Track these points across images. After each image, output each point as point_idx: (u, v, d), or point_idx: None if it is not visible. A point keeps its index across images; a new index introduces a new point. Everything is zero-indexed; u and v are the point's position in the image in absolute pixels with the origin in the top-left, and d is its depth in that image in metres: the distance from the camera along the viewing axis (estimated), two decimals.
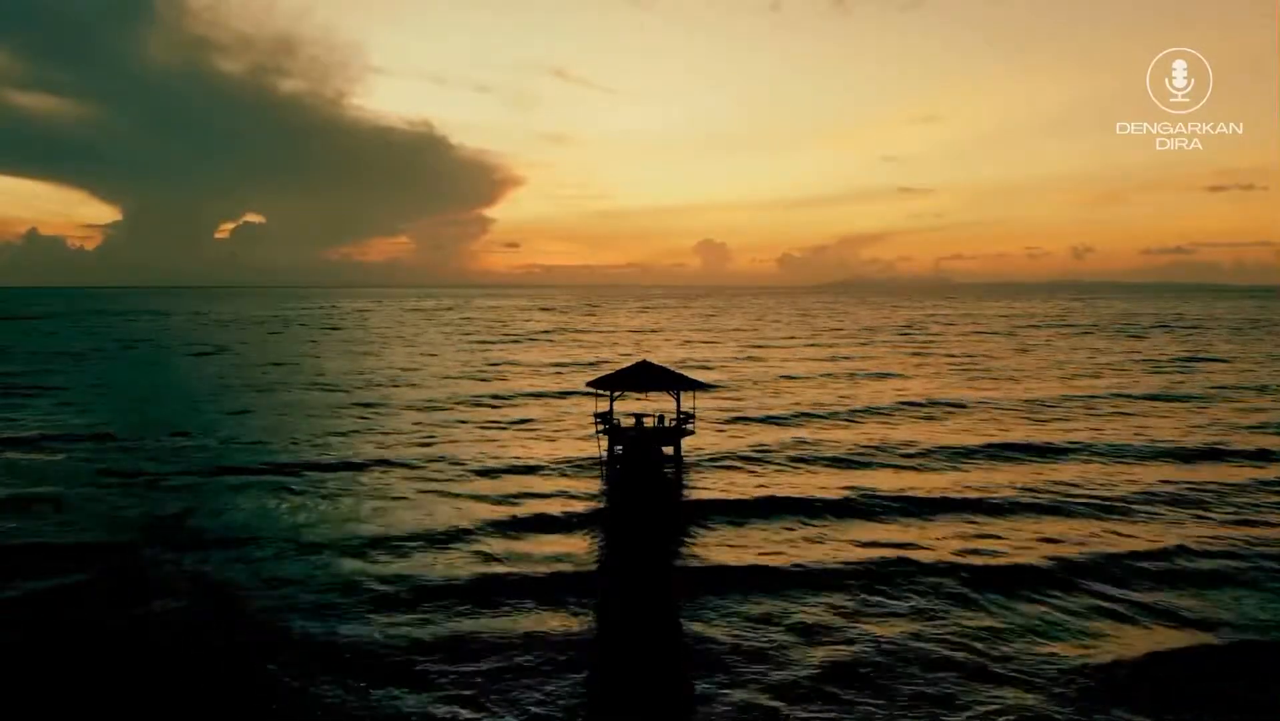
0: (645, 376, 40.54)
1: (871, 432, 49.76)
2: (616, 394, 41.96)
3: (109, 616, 22.45)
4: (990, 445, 45.47)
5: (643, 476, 39.27)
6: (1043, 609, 23.53)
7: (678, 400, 41.73)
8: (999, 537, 29.65)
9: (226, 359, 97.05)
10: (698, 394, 45.79)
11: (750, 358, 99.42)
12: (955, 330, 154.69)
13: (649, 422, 41.62)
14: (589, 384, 42.73)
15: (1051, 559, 27.28)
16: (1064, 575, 25.91)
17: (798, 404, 60.95)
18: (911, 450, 44.42)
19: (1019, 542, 29.09)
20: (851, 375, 79.23)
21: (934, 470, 40.46)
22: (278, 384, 72.14)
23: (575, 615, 22.82)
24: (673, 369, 46.64)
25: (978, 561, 27.16)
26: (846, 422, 53.55)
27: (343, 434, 48.30)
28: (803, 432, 49.71)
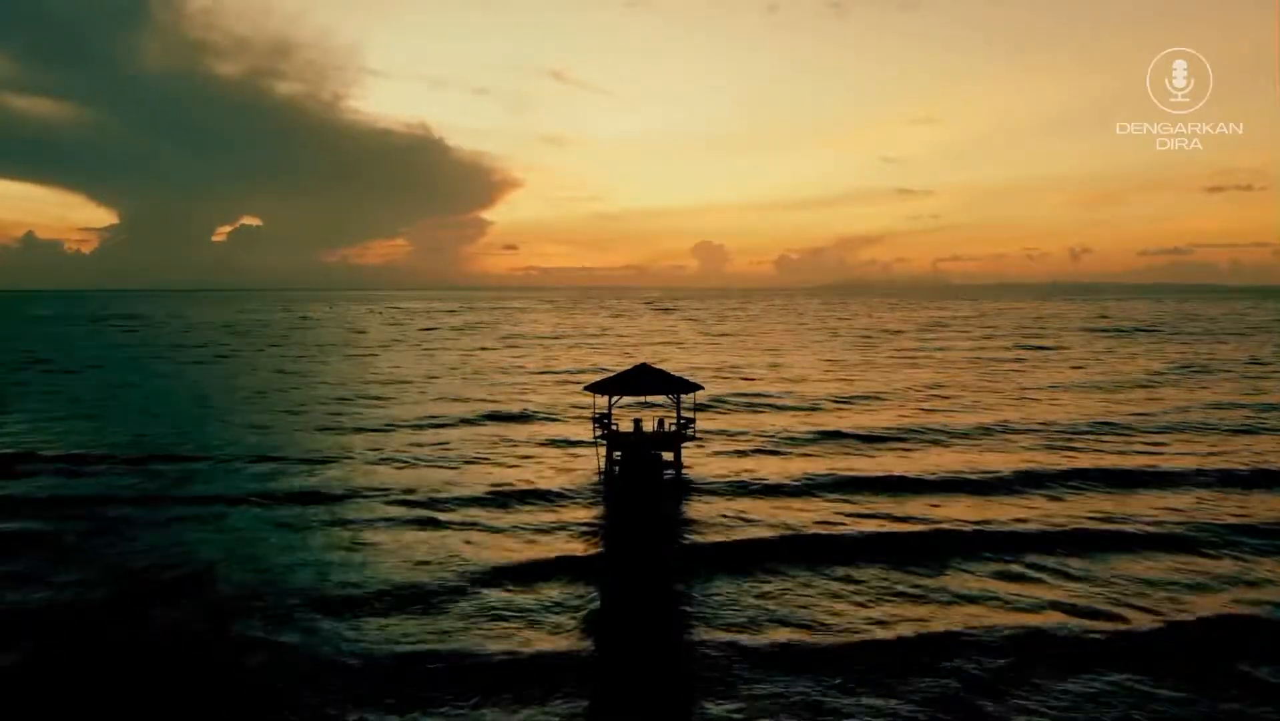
0: (644, 379, 39.70)
1: (916, 453, 44.43)
2: (616, 398, 41.05)
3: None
4: (1063, 471, 39.20)
5: (642, 493, 36.99)
6: (1187, 704, 18.06)
7: (677, 404, 40.79)
8: (1095, 594, 24.19)
9: (222, 367, 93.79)
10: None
11: (772, 364, 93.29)
12: (975, 334, 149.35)
13: (648, 426, 40.82)
14: (587, 388, 41.65)
15: (1179, 630, 21.58)
16: (1204, 646, 20.78)
17: (825, 419, 54.63)
18: (965, 475, 38.96)
19: (1125, 604, 23.48)
20: (882, 388, 71.67)
21: (999, 502, 34.46)
22: (275, 397, 67.38)
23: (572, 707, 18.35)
24: (672, 372, 45.75)
25: (1089, 629, 21.60)
26: (884, 442, 47.19)
27: (340, 457, 43.47)
28: (836, 455, 44.09)
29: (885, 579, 25.72)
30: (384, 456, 44.12)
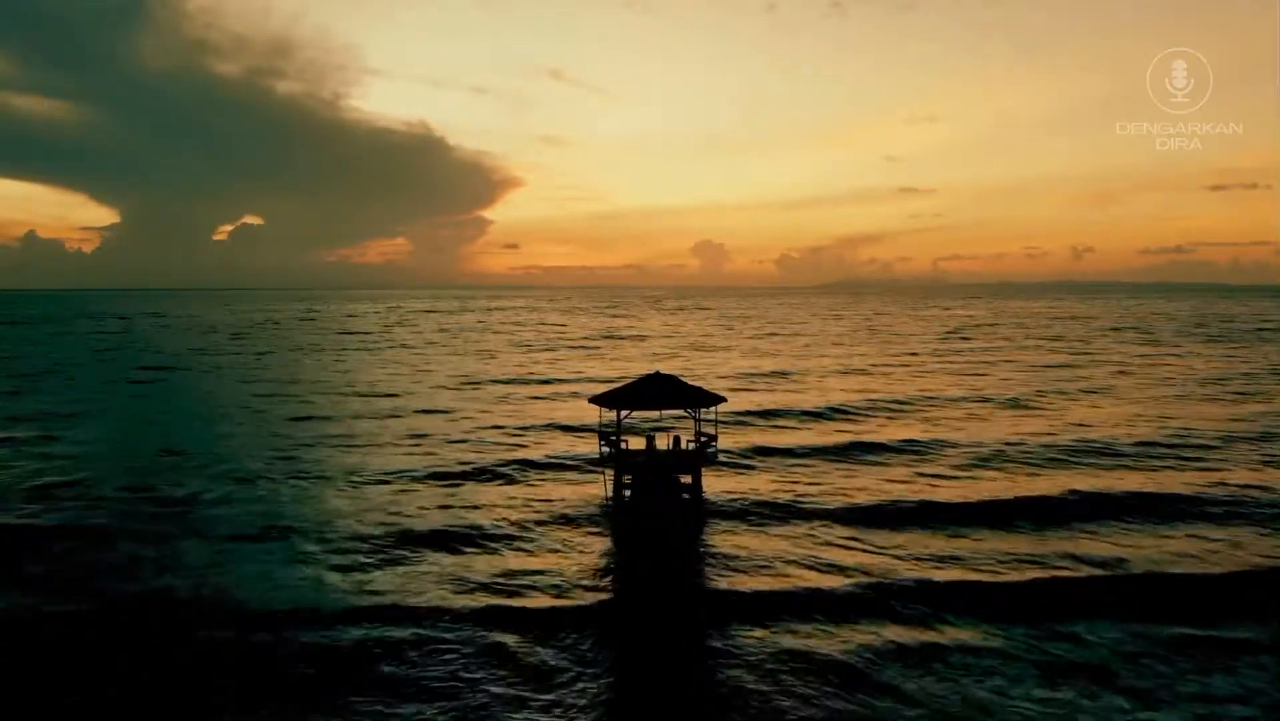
0: (657, 391, 34.73)
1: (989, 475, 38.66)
2: (626, 413, 36.16)
3: None
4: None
5: (656, 525, 32.51)
6: None
7: (696, 419, 36.02)
8: None
9: (219, 374, 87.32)
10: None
11: (843, 370, 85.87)
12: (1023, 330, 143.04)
13: (663, 443, 35.98)
14: (592, 400, 36.73)
15: None
16: None
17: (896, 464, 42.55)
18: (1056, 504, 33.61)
19: None
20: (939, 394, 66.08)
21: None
22: (273, 415, 59.00)
23: None
24: (690, 382, 40.72)
25: None
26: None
27: (333, 512, 33.68)
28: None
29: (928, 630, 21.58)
30: (389, 500, 37.70)
